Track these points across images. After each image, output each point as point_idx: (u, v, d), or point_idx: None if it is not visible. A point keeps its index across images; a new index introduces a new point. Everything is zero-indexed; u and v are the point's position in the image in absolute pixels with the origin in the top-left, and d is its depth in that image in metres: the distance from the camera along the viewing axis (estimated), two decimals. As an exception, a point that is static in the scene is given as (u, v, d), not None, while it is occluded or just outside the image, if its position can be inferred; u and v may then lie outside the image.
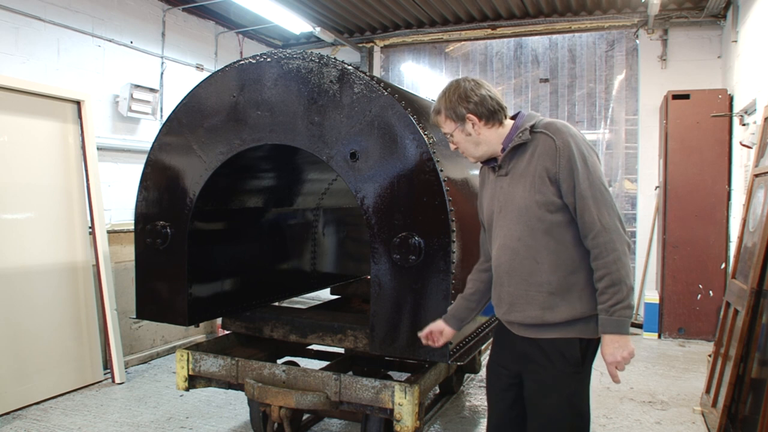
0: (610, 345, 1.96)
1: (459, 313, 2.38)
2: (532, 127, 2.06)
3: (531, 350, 2.12)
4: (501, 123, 2.13)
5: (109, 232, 4.92)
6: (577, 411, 2.09)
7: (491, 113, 2.10)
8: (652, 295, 6.44)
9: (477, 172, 3.28)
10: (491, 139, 2.13)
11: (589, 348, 2.06)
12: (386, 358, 3.72)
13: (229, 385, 3.16)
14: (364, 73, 2.75)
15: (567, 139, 1.99)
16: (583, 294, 2.03)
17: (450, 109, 2.11)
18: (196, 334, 5.88)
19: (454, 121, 2.12)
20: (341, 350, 3.88)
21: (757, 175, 3.99)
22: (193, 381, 3.19)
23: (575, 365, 2.04)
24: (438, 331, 2.39)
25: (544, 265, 2.03)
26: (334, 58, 2.81)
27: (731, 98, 6.07)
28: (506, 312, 2.16)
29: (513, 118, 2.16)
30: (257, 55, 2.92)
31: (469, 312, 2.38)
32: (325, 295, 4.84)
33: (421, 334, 2.43)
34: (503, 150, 2.12)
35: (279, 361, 3.56)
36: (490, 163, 2.20)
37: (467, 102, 2.09)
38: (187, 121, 3.05)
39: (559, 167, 1.98)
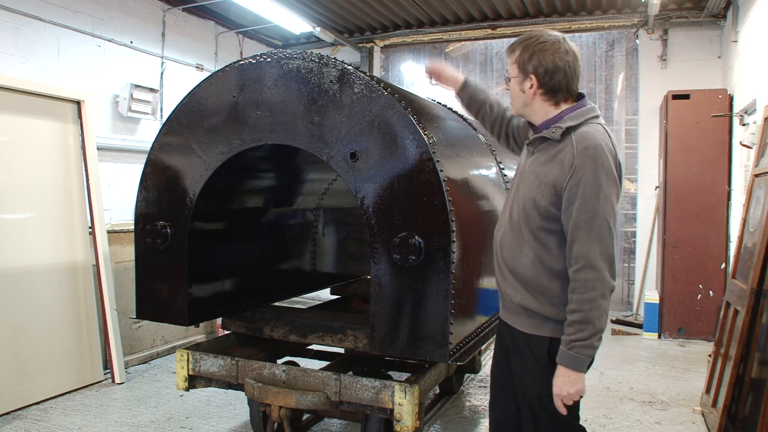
0: (561, 377, 1.92)
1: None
2: (570, 128, 1.96)
3: (509, 341, 2.15)
4: (557, 104, 2.03)
5: (109, 232, 4.92)
6: (550, 413, 2.02)
7: (553, 90, 2.00)
8: (652, 295, 6.44)
9: (478, 172, 3.28)
10: (537, 109, 2.05)
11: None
12: (386, 358, 3.72)
13: (229, 385, 3.16)
14: (364, 73, 2.75)
15: (586, 163, 1.87)
16: (556, 301, 1.99)
17: (522, 56, 2.01)
18: (196, 334, 5.88)
19: (519, 70, 2.03)
20: (341, 350, 3.88)
21: (757, 175, 3.99)
22: (193, 381, 3.19)
23: (544, 365, 2.01)
24: (448, 74, 2.52)
25: (525, 258, 2.03)
26: (334, 58, 2.80)
27: (731, 98, 6.07)
28: (497, 279, 2.22)
29: (579, 97, 2.05)
30: (257, 55, 2.92)
31: (481, 91, 2.52)
32: (325, 295, 4.84)
33: (430, 67, 2.53)
34: (536, 131, 2.08)
35: (279, 361, 3.55)
36: (532, 128, 2.16)
37: (539, 63, 1.98)
38: (187, 121, 3.04)
39: (566, 185, 1.90)
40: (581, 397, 1.95)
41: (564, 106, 2.04)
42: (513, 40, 2.15)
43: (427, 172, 2.56)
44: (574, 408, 2.05)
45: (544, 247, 1.99)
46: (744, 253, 3.90)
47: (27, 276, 4.26)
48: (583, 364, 1.90)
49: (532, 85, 2.01)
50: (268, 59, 2.86)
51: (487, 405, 2.38)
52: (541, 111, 2.05)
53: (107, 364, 4.73)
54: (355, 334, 3.12)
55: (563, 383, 1.92)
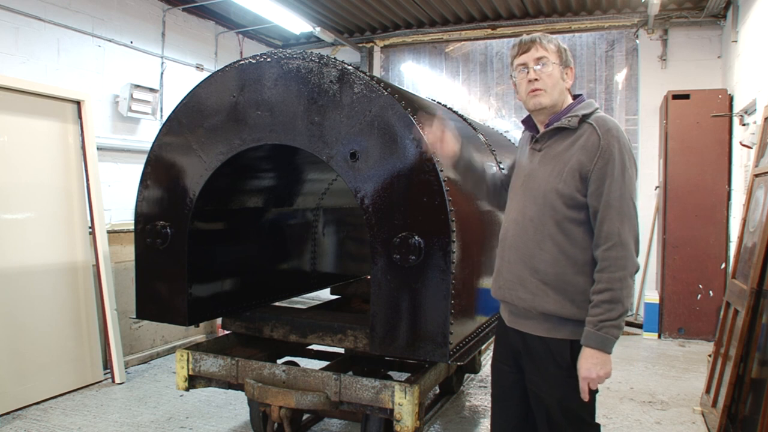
0: (590, 359, 1.89)
1: None
2: (585, 116, 2.02)
3: (520, 346, 2.11)
4: (571, 94, 2.14)
5: (109, 232, 4.92)
6: (572, 416, 2.01)
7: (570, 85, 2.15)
8: (652, 295, 6.44)
9: (478, 172, 3.28)
10: (564, 99, 2.10)
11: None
12: (386, 358, 3.72)
13: (229, 385, 3.16)
14: (364, 73, 2.75)
15: (612, 143, 1.93)
16: (578, 298, 1.96)
17: (562, 48, 2.08)
18: (196, 334, 5.88)
19: (559, 58, 2.07)
20: (341, 350, 3.88)
21: (757, 175, 3.99)
22: (193, 381, 3.19)
23: (567, 368, 1.97)
24: None
25: (546, 255, 1.99)
26: (334, 58, 2.80)
27: (731, 98, 6.07)
28: (500, 288, 2.15)
29: (575, 97, 2.14)
30: (257, 55, 2.92)
31: None
32: (325, 295, 4.84)
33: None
34: (547, 125, 2.09)
35: (279, 361, 3.56)
36: (531, 129, 2.19)
37: (571, 58, 2.12)
38: (187, 121, 3.04)
39: (594, 166, 1.93)
40: (608, 377, 1.94)
41: (571, 99, 2.13)
42: (513, 40, 2.18)
43: (427, 171, 2.56)
44: (591, 406, 2.04)
45: (569, 238, 1.97)
46: (744, 253, 3.90)
47: (27, 276, 4.26)
48: (611, 344, 1.89)
49: (567, 74, 2.11)
50: (268, 59, 2.86)
51: (488, 405, 2.37)
52: (565, 101, 2.11)
53: (107, 364, 4.73)
54: (355, 334, 3.12)
55: (593, 365, 1.89)
